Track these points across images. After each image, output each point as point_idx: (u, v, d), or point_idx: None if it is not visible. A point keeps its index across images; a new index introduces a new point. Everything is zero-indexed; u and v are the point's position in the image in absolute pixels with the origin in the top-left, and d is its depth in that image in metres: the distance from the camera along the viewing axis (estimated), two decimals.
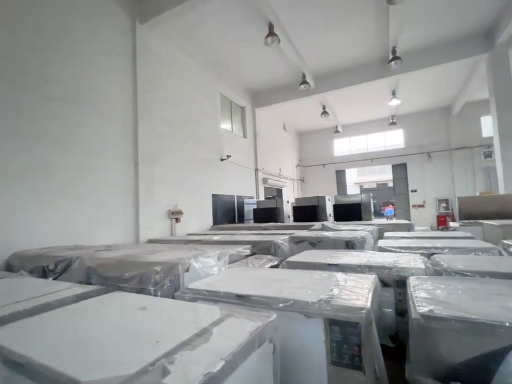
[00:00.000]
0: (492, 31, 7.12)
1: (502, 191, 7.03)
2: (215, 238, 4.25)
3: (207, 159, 7.42)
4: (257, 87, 9.79)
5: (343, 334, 1.21)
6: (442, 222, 11.11)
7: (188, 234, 5.67)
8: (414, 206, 13.24)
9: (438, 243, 2.84)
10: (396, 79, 8.93)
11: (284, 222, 7.63)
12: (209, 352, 0.86)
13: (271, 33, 5.74)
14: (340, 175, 15.13)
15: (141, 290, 1.78)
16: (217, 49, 7.33)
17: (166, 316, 1.20)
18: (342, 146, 15.15)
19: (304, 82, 8.02)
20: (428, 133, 12.99)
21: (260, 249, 3.64)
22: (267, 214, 7.78)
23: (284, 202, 8.18)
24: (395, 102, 10.10)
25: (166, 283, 1.77)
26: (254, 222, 8.10)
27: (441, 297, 1.28)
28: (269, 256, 3.17)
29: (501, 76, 7.28)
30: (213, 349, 0.88)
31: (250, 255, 3.31)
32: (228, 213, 8.22)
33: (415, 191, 13.25)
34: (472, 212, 5.37)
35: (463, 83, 10.02)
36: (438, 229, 10.48)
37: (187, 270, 1.98)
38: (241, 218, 8.64)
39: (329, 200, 7.93)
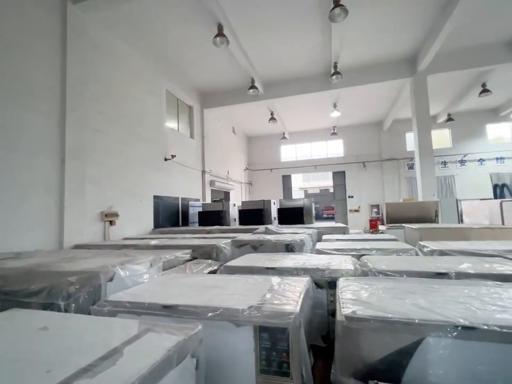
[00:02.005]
0: (415, 58, 8.17)
1: (420, 198, 8.07)
2: (153, 242, 3.97)
3: (149, 158, 6.98)
4: (206, 87, 9.61)
5: (272, 340, 1.18)
6: (373, 225, 12.29)
7: (124, 239, 5.21)
8: (350, 210, 14.42)
9: (367, 245, 3.06)
10: (337, 93, 9.64)
11: (229, 225, 7.56)
12: (113, 379, 0.74)
13: (220, 34, 5.67)
14: (286, 180, 15.72)
15: (49, 306, 1.52)
16: (163, 44, 6.98)
17: (71, 336, 1.02)
18: (289, 152, 15.78)
19: (253, 87, 8.13)
20: (363, 144, 14.34)
21: (201, 253, 3.50)
22: (213, 217, 7.63)
23: (230, 205, 8.12)
24: (336, 114, 10.89)
25: (81, 296, 1.54)
26: (199, 225, 7.87)
27: (364, 297, 1.34)
28: (210, 261, 3.06)
29: (421, 99, 8.39)
30: (118, 374, 0.75)
31: (190, 260, 3.16)
32: (171, 215, 7.83)
33: (352, 197, 14.46)
34: (397, 216, 6.02)
35: (392, 102, 11.32)
36: (370, 232, 11.55)
37: (111, 280, 1.77)
38: (185, 222, 8.31)
39: (274, 204, 8.13)
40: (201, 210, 8.35)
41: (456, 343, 1.01)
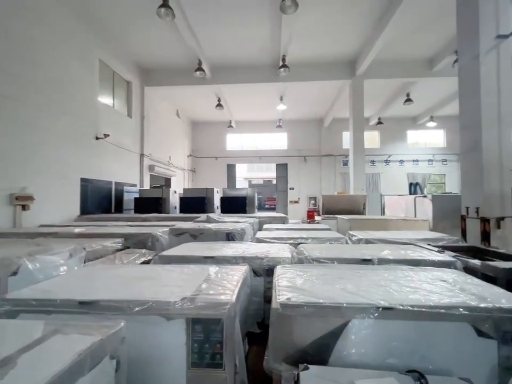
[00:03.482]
0: (354, 62, 8.79)
1: (352, 192, 8.87)
2: (78, 230, 3.52)
3: (76, 135, 6.14)
4: (148, 63, 8.82)
5: (205, 332, 1.12)
6: (311, 216, 13.11)
7: (41, 226, 4.51)
8: (291, 201, 15.15)
9: (304, 234, 3.22)
10: (284, 86, 9.85)
11: (169, 213, 7.20)
12: None
13: (165, 4, 5.20)
14: (231, 169, 15.65)
15: None
16: (99, 6, 6.11)
17: None
18: (235, 142, 15.69)
19: (200, 69, 7.76)
20: (305, 139, 15.07)
21: (135, 242, 3.23)
22: (151, 204, 7.16)
23: (171, 192, 7.72)
24: (282, 107, 11.15)
25: None
26: (135, 212, 7.31)
27: (298, 284, 1.37)
28: (143, 251, 2.84)
29: (357, 101, 9.11)
30: None
31: (121, 250, 2.89)
32: (102, 201, 7.10)
33: (293, 188, 15.17)
34: (332, 208, 6.51)
35: (333, 101, 12.06)
36: (307, 222, 12.31)
37: (14, 274, 1.48)
38: (119, 208, 7.64)
39: (217, 192, 8.01)
40: (138, 196, 7.76)
41: (377, 323, 1.10)
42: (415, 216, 4.87)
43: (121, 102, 8.35)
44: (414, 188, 14.03)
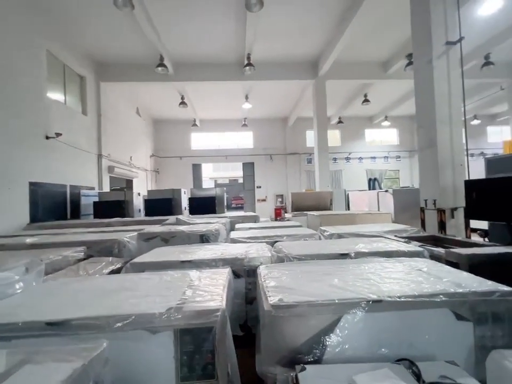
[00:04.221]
0: (317, 63, 9.08)
1: (318, 189, 9.17)
2: (30, 240, 3.16)
3: (22, 134, 5.52)
4: (104, 57, 8.23)
5: (195, 343, 1.06)
6: (278, 213, 13.34)
7: None
8: (258, 200, 15.24)
9: (278, 232, 3.22)
10: (249, 85, 9.84)
11: (133, 217, 6.80)
12: None
13: None
14: (196, 169, 15.30)
15: None
16: None
17: None
18: (200, 141, 15.35)
19: (161, 64, 7.43)
20: (271, 137, 15.27)
21: (99, 250, 2.99)
22: (112, 208, 6.69)
23: (134, 194, 7.31)
24: (247, 105, 11.15)
25: None
26: (95, 217, 6.79)
27: (286, 283, 1.36)
28: (110, 259, 2.63)
29: (320, 100, 9.43)
30: None
31: (84, 259, 2.65)
32: (56, 206, 6.48)
33: (260, 187, 15.29)
34: (300, 205, 6.67)
35: (297, 101, 12.36)
36: (276, 220, 12.49)
37: None
38: (76, 214, 7.04)
39: (185, 193, 7.77)
40: (97, 200, 7.21)
41: (366, 316, 1.12)
42: (379, 210, 5.18)
43: (75, 99, 7.68)
44: (372, 183, 14.96)
